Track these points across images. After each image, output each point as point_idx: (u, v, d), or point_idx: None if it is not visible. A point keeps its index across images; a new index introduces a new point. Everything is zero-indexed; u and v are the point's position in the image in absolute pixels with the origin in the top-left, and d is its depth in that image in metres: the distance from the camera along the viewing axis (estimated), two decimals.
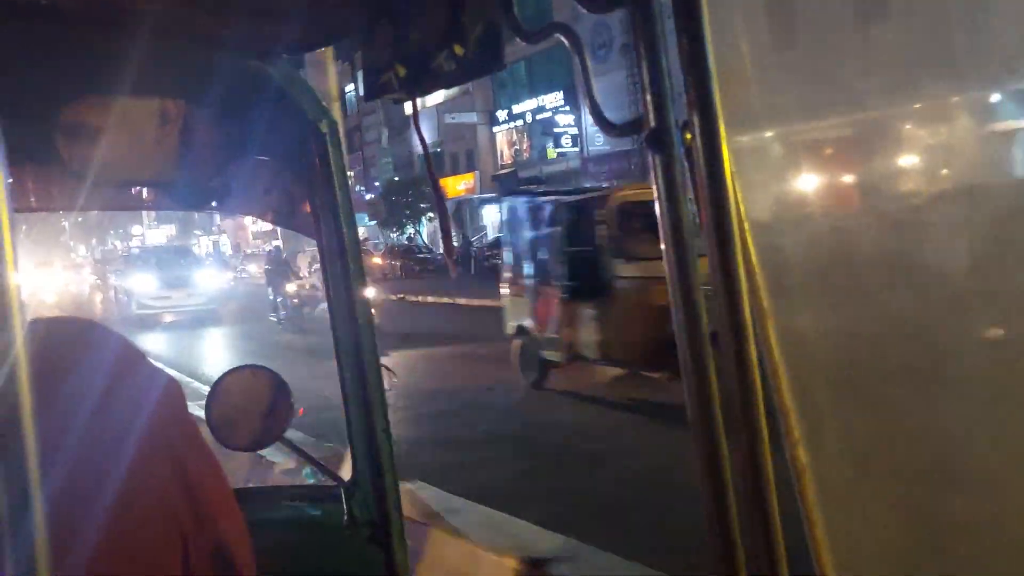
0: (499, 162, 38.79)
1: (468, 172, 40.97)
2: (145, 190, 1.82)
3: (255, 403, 1.68)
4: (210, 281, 24.32)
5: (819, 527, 0.82)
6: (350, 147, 50.30)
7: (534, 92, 33.55)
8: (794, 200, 0.84)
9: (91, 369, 0.80)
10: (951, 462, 0.79)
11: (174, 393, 0.85)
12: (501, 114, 37.22)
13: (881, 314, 0.82)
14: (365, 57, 1.17)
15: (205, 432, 1.15)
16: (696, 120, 0.78)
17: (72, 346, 0.82)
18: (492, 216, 35.64)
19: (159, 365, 0.90)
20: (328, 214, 1.67)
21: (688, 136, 0.78)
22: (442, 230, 1.25)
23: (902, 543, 0.82)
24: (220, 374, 1.71)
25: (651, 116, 0.80)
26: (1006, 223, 0.77)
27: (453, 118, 38.79)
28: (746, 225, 0.79)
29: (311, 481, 2.12)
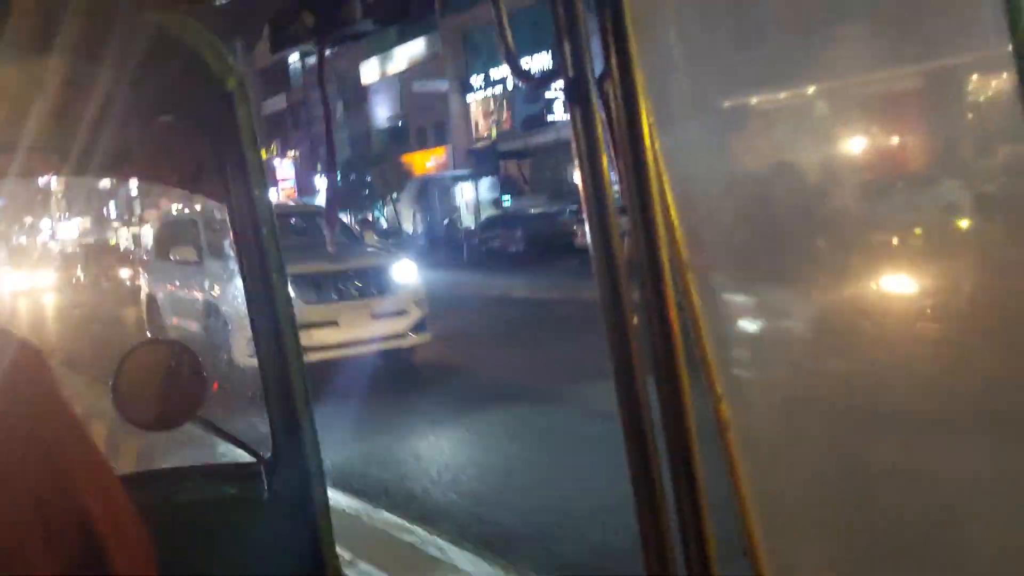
0: (474, 135, 34.37)
1: (438, 146, 36.59)
2: (39, 156, 1.71)
3: (165, 379, 1.61)
4: None
5: (743, 481, 0.82)
6: (294, 123, 47.42)
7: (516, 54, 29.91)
8: (715, 150, 0.83)
9: None
10: (875, 410, 0.80)
11: (29, 356, 0.80)
12: (476, 80, 32.82)
13: (802, 265, 0.82)
14: (271, 6, 1.11)
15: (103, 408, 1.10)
16: (613, 69, 0.76)
17: None
18: (468, 195, 33.24)
19: (8, 328, 0.85)
20: (237, 177, 1.59)
21: (606, 86, 0.76)
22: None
23: (827, 493, 0.83)
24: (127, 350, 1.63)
25: (569, 66, 0.78)
26: (924, 186, 0.78)
27: (422, 85, 33.92)
28: (665, 177, 0.77)
29: (227, 459, 2.06)
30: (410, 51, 34.39)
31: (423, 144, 37.40)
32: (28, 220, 61.99)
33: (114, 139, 1.58)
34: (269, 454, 1.73)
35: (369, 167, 35.14)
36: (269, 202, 1.61)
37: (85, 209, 61.49)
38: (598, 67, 0.78)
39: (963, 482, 0.79)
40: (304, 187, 45.52)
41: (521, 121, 31.24)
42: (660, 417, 0.78)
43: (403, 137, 38.73)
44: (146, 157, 1.71)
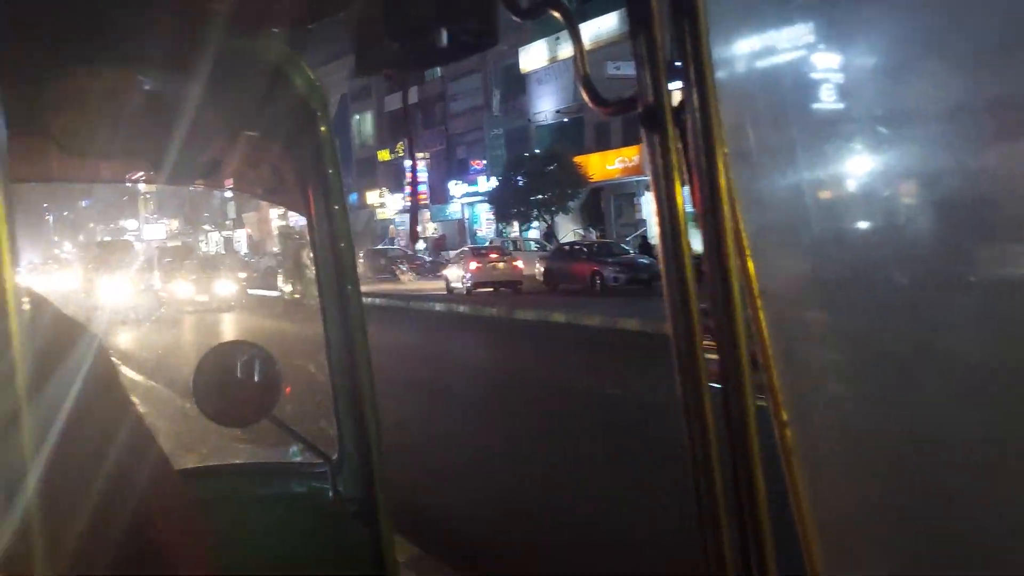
0: None
1: (627, 146, 29.32)
2: (133, 163, 1.80)
3: (243, 379, 1.67)
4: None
5: (806, 505, 0.82)
6: (426, 121, 43.19)
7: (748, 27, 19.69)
8: (789, 181, 0.84)
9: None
10: (942, 443, 0.80)
11: (93, 347, 0.84)
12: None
13: (874, 295, 0.83)
14: (358, 32, 1.16)
15: (182, 405, 1.15)
16: (691, 98, 0.77)
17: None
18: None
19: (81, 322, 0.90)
20: (317, 192, 1.66)
21: (684, 115, 0.78)
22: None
23: (892, 522, 0.83)
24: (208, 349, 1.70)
25: (647, 94, 0.80)
26: (999, 205, 0.78)
27: (617, 68, 23.56)
28: (738, 206, 0.79)
29: (298, 459, 2.12)
30: (593, 30, 25.98)
31: (604, 143, 31.21)
32: (120, 222, 61.92)
33: (202, 150, 1.66)
34: (335, 455, 1.78)
35: (534, 171, 30.19)
36: (347, 216, 1.67)
37: (175, 211, 60.93)
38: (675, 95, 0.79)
39: None
40: (438, 194, 42.00)
41: None
42: (727, 442, 0.79)
43: (575, 134, 32.29)
44: (232, 168, 1.79)
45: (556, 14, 0.88)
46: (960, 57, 0.78)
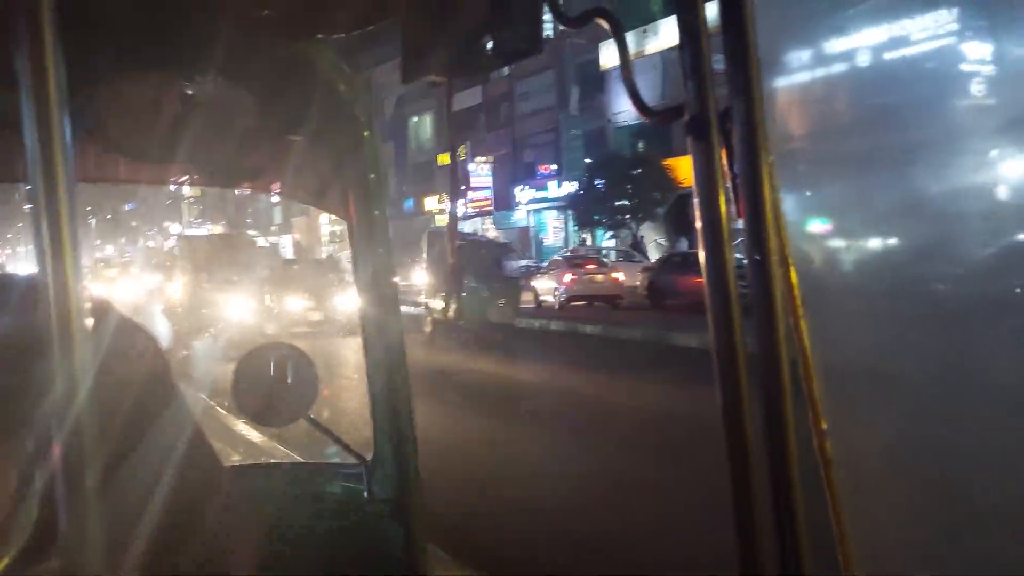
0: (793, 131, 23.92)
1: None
2: (180, 167, 1.84)
3: (280, 379, 1.70)
4: None
5: (844, 518, 0.82)
6: (490, 123, 39.99)
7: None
8: (832, 193, 0.84)
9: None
10: (981, 457, 0.79)
11: (156, 353, 0.86)
12: (798, 55, 19.78)
13: (915, 308, 0.82)
14: (405, 39, 1.18)
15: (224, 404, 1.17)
16: (737, 107, 0.78)
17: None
18: None
19: (138, 322, 0.91)
20: (359, 197, 1.69)
21: (728, 124, 0.79)
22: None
23: (929, 536, 0.82)
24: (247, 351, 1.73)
25: (692, 102, 0.81)
26: None
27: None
28: (781, 214, 0.79)
29: (334, 460, 2.16)
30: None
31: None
32: (165, 224, 59.79)
33: (249, 154, 1.69)
34: (371, 456, 1.80)
35: (617, 175, 27.71)
36: (387, 222, 1.70)
37: (218, 214, 58.35)
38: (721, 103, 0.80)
39: None
40: (502, 200, 39.94)
41: None
42: (766, 452, 0.79)
43: (661, 136, 28.79)
44: (276, 172, 1.83)
45: (603, 22, 0.90)
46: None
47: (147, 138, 1.51)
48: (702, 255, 0.81)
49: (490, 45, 1.04)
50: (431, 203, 45.01)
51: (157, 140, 1.57)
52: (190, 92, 1.55)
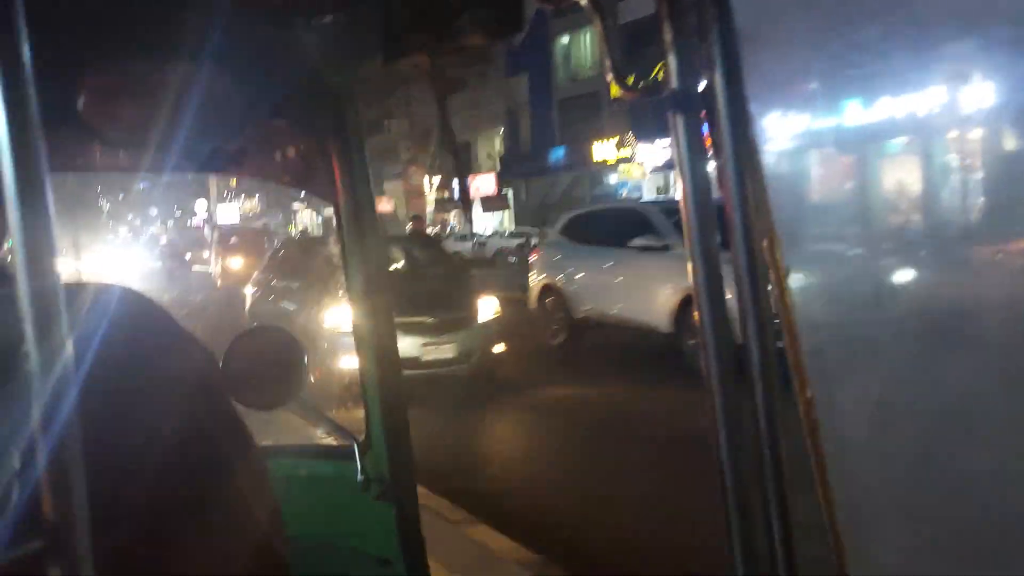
0: None
1: None
2: (162, 153, 1.83)
3: (270, 363, 1.71)
4: None
5: (831, 482, 0.84)
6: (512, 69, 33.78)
7: None
8: (815, 161, 0.85)
9: (129, 338, 0.78)
10: (968, 420, 0.81)
11: (208, 363, 0.85)
12: None
13: (898, 271, 0.84)
14: (386, 20, 1.18)
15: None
16: (719, 82, 0.79)
17: (108, 313, 0.81)
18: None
19: (192, 333, 0.90)
20: (345, 179, 1.69)
21: (711, 99, 0.79)
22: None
23: (916, 500, 0.84)
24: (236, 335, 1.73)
25: (674, 78, 0.81)
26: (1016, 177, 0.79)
27: None
28: (766, 192, 0.80)
29: (326, 441, 2.17)
30: None
31: None
32: (195, 203, 51.47)
33: (232, 138, 1.69)
34: (363, 437, 1.81)
35: None
36: (373, 204, 1.70)
37: (252, 187, 47.43)
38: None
39: None
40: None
41: None
42: (751, 417, 0.81)
43: None
44: (260, 156, 1.82)
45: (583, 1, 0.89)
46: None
47: (130, 125, 1.50)
48: (686, 228, 0.82)
49: (472, 26, 1.04)
50: (604, 150, 31.96)
51: (140, 127, 1.56)
52: (172, 77, 1.54)
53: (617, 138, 31.84)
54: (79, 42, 1.44)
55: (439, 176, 39.28)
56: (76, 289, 0.78)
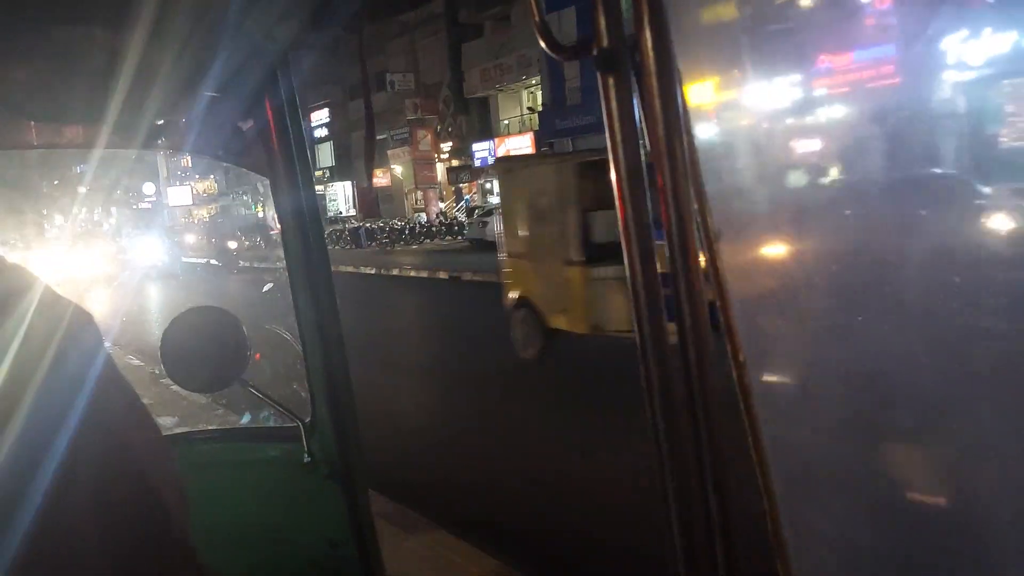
0: None
1: None
2: (90, 128, 1.77)
3: (210, 344, 1.67)
4: None
5: (763, 444, 0.84)
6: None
7: None
8: (745, 122, 0.84)
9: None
10: (895, 380, 0.82)
11: (86, 325, 0.82)
12: None
13: (826, 234, 0.84)
14: None
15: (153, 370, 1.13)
16: (646, 38, 0.77)
17: None
18: None
19: (63, 294, 0.86)
20: (281, 152, 1.64)
21: (637, 56, 0.78)
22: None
23: (847, 462, 0.85)
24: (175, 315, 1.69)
25: (603, 35, 0.79)
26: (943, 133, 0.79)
27: None
28: (694, 145, 0.79)
29: (271, 423, 2.14)
30: None
31: None
32: (143, 186, 45.32)
33: (163, 112, 1.63)
34: (308, 418, 1.79)
35: None
36: (312, 178, 1.66)
37: (207, 168, 43.66)
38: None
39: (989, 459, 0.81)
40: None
41: None
42: (683, 381, 0.80)
43: None
44: (194, 131, 1.77)
45: None
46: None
47: (50, 98, 1.44)
48: (615, 189, 0.80)
49: None
50: None
51: (61, 99, 1.50)
52: (96, 46, 1.48)
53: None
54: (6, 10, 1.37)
55: (451, 142, 35.49)
56: None
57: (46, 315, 0.78)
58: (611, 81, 0.80)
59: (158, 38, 1.48)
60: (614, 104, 0.80)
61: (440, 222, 33.52)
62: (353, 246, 32.05)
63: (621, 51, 0.79)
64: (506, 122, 35.29)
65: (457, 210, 35.42)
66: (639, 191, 0.80)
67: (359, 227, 34.61)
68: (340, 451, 1.76)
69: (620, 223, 0.80)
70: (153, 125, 1.62)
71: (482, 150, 34.82)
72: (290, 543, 1.82)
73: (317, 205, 1.68)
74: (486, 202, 32.25)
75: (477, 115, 36.28)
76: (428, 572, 4.14)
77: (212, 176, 47.23)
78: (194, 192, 45.90)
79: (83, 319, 0.83)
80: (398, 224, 34.10)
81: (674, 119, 0.77)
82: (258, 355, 1.87)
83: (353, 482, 1.77)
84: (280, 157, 1.63)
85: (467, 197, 35.96)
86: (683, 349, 0.80)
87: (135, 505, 0.81)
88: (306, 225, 1.66)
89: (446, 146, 36.45)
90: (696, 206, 0.79)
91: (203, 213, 45.63)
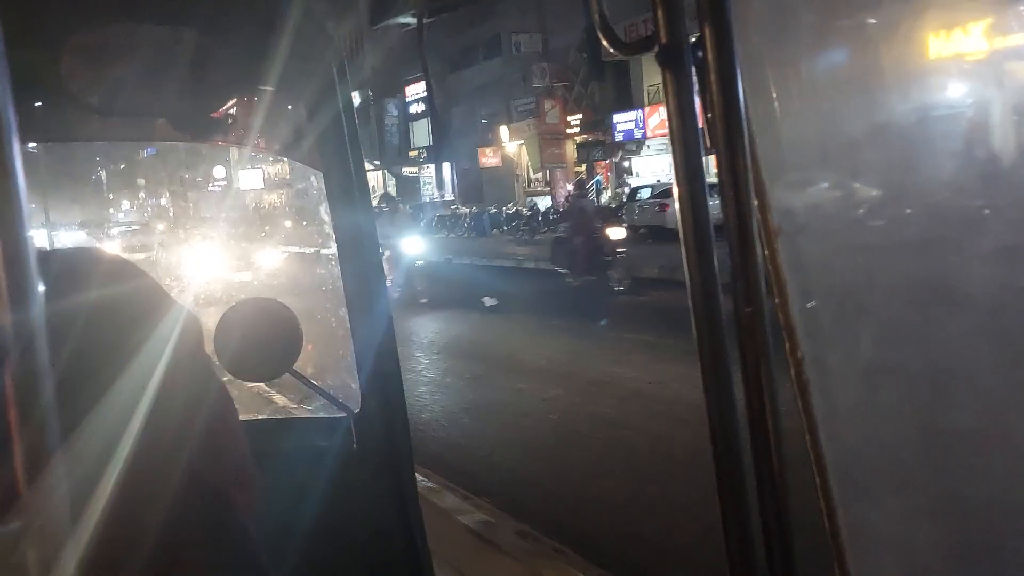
0: None
1: None
2: (149, 120, 1.81)
3: (264, 335, 1.69)
4: None
5: (823, 443, 0.83)
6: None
7: None
8: (809, 119, 0.83)
9: (111, 303, 0.74)
10: (958, 378, 0.81)
11: (193, 329, 0.82)
12: None
13: (890, 230, 0.83)
14: None
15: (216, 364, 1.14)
16: (708, 36, 0.77)
17: (89, 278, 0.77)
18: None
19: (175, 297, 0.87)
20: (335, 148, 1.67)
21: (700, 53, 0.78)
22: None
23: (907, 458, 0.84)
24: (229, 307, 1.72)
25: (663, 32, 0.79)
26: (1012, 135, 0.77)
27: None
28: (756, 142, 0.79)
29: (321, 413, 2.17)
30: None
31: None
32: (213, 169, 42.84)
33: (219, 107, 1.66)
34: (358, 408, 1.81)
35: None
36: (364, 170, 1.68)
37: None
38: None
39: None
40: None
41: None
42: (743, 383, 0.80)
43: None
44: (249, 125, 1.80)
45: None
46: None
47: (111, 92, 1.47)
48: (676, 187, 0.80)
49: None
50: None
51: (122, 94, 1.53)
52: (156, 42, 1.51)
53: None
54: (64, 6, 1.41)
55: (579, 115, 30.45)
56: (47, 256, 0.75)
57: (163, 326, 0.78)
58: (672, 78, 0.79)
59: (218, 34, 1.51)
60: (673, 102, 0.79)
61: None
62: (474, 235, 29.12)
63: (682, 48, 0.79)
64: (654, 89, 28.79)
65: (613, 193, 30.35)
66: (699, 188, 0.79)
67: (482, 213, 31.06)
68: (388, 441, 1.78)
69: (679, 222, 0.80)
70: (211, 119, 1.65)
71: (626, 121, 29.12)
72: (338, 533, 1.84)
73: (369, 198, 1.70)
74: (623, 183, 28.54)
75: (613, 82, 30.49)
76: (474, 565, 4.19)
77: (285, 159, 45.56)
78: (265, 176, 44.23)
79: (192, 323, 0.81)
80: (525, 210, 30.00)
81: (735, 117, 0.77)
82: (310, 346, 1.90)
83: (401, 473, 1.79)
84: (334, 151, 1.66)
85: (598, 178, 31.03)
86: (741, 351, 0.79)
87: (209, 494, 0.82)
88: (359, 219, 1.69)
89: (574, 119, 31.95)
90: (756, 203, 0.79)
91: (273, 198, 44.05)
